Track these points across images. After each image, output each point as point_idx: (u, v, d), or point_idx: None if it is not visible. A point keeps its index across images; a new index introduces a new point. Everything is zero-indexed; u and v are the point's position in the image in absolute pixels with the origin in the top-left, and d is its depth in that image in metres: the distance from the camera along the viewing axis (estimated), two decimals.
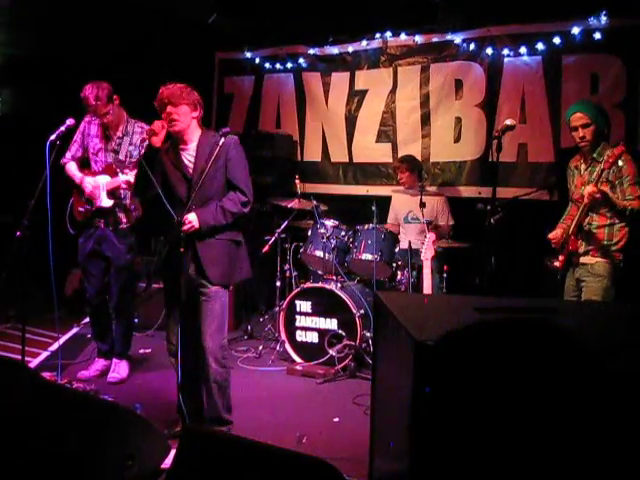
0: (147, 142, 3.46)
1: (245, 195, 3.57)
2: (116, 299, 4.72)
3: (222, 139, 3.48)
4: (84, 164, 4.71)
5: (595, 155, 4.07)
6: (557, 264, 4.21)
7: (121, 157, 4.56)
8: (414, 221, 5.74)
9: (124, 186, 4.48)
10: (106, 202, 4.55)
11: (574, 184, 4.26)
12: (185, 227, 3.40)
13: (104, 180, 4.55)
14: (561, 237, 4.20)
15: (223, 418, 3.63)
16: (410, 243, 5.27)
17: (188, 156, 3.58)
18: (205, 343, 3.53)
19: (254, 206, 3.77)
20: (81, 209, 4.63)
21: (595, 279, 4.02)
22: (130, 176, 4.36)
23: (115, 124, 4.58)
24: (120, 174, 4.48)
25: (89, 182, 4.56)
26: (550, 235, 4.27)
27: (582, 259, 4.10)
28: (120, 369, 4.75)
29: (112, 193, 4.54)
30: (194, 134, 3.59)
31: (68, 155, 4.69)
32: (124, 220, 4.63)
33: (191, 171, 3.54)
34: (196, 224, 3.43)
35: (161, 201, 3.43)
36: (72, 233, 4.67)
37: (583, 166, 4.17)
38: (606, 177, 3.92)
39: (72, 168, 4.68)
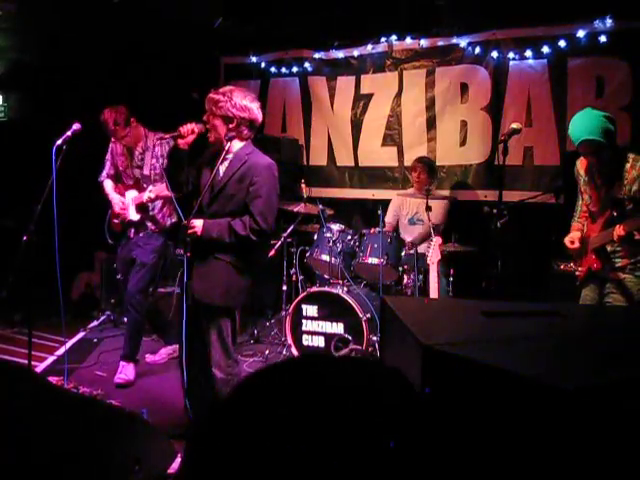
0: (171, 144, 3.46)
1: (257, 224, 3.35)
2: (130, 293, 4.78)
3: (228, 144, 3.43)
4: (118, 179, 4.98)
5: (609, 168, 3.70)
6: (578, 274, 3.88)
7: (145, 172, 4.77)
8: (419, 222, 5.73)
9: (147, 200, 4.68)
10: (134, 216, 4.81)
11: (588, 194, 3.85)
12: (189, 230, 3.37)
13: (132, 195, 4.81)
14: (579, 243, 3.84)
15: None
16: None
17: (223, 167, 3.47)
18: (210, 354, 3.50)
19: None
20: (116, 220, 4.91)
21: (629, 299, 3.65)
22: (152, 192, 4.62)
23: (134, 142, 4.77)
24: (146, 190, 4.70)
25: (117, 204, 4.86)
26: (567, 239, 3.91)
27: (610, 275, 3.73)
28: (127, 371, 4.77)
29: (140, 207, 4.77)
30: (231, 146, 3.46)
31: (103, 173, 5.00)
32: (152, 228, 4.85)
33: (219, 183, 3.45)
34: (199, 230, 3.38)
35: (177, 203, 3.47)
36: (110, 243, 4.97)
37: (597, 177, 3.77)
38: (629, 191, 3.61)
39: (108, 187, 4.97)
